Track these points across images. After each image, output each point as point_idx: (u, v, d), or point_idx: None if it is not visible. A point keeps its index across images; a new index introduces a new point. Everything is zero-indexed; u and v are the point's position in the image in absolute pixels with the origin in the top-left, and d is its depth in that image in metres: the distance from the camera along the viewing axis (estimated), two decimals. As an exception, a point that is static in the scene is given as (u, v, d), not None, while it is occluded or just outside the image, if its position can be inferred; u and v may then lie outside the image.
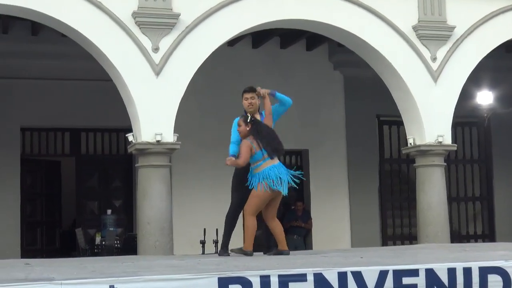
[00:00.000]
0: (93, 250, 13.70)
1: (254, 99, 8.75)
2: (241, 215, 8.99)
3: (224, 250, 8.71)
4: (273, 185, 8.26)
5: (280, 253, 8.47)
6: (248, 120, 8.53)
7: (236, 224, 8.93)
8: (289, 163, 16.30)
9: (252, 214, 8.43)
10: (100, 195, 15.78)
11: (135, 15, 10.99)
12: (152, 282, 5.21)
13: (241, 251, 8.45)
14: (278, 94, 8.88)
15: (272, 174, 8.30)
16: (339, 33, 12.15)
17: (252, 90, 8.80)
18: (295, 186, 8.51)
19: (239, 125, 8.56)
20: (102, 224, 14.28)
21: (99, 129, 15.60)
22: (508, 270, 5.97)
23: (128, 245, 13.17)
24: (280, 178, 8.30)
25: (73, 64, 14.25)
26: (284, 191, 8.33)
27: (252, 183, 8.37)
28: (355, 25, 11.95)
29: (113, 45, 10.96)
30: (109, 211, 14.57)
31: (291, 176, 8.42)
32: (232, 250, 8.59)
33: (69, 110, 14.81)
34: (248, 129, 8.48)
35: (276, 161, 8.47)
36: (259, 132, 8.45)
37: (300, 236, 15.34)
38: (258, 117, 8.73)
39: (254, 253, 8.46)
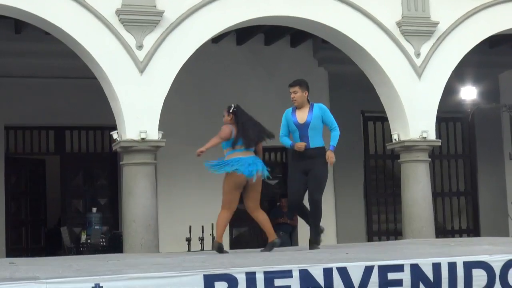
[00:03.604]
0: (79, 249, 13.66)
1: (296, 93, 8.67)
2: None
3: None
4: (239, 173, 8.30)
5: (272, 244, 8.54)
6: (231, 110, 8.57)
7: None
8: (274, 160, 16.33)
9: (223, 208, 8.50)
10: (85, 193, 15.74)
11: (118, 12, 10.97)
12: (137, 280, 5.20)
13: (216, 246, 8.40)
14: (334, 145, 8.74)
15: (239, 163, 8.34)
16: (324, 30, 12.17)
17: (294, 84, 8.75)
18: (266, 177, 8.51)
19: (223, 115, 8.57)
20: (88, 222, 14.24)
21: (84, 127, 15.55)
22: (493, 264, 5.99)
23: (113, 243, 13.14)
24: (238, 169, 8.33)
25: (57, 62, 14.19)
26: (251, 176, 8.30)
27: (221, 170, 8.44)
28: (339, 22, 11.97)
29: (97, 43, 10.94)
30: (94, 209, 14.52)
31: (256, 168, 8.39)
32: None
33: (53, 108, 14.75)
34: (229, 119, 8.54)
35: (247, 154, 8.45)
36: (239, 122, 8.50)
37: (286, 232, 15.32)
38: (305, 110, 8.66)
39: (237, 250, 8.49)
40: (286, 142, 8.74)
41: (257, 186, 8.45)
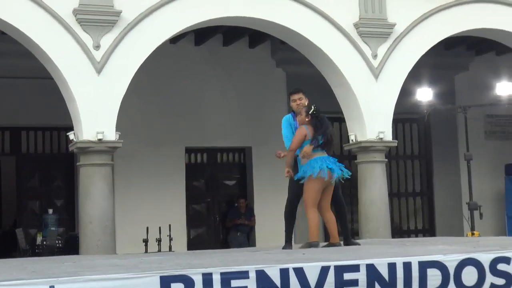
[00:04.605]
0: (34, 251, 13.52)
1: (302, 100, 8.68)
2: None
3: (286, 245, 8.61)
4: (323, 174, 8.29)
5: (332, 245, 8.49)
6: (310, 112, 8.50)
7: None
8: (232, 161, 16.34)
9: (312, 206, 8.41)
10: (41, 195, 15.57)
11: (75, 12, 10.89)
12: (93, 282, 5.15)
13: (307, 244, 8.33)
14: None
15: (320, 163, 8.33)
16: (281, 31, 12.21)
17: (298, 91, 8.75)
18: (347, 177, 8.52)
19: (300, 114, 8.49)
20: (43, 223, 14.10)
21: (40, 128, 15.41)
22: (447, 264, 6.05)
23: (69, 245, 13.05)
24: (328, 168, 8.31)
25: (13, 62, 14.03)
26: (333, 179, 8.36)
27: (304, 174, 8.35)
28: (297, 23, 12.02)
29: (53, 43, 10.85)
30: (50, 211, 14.38)
31: (341, 168, 8.43)
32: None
33: (9, 109, 14.58)
34: (307, 120, 8.47)
35: (325, 154, 8.46)
36: (319, 124, 8.46)
37: (243, 233, 15.38)
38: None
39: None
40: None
41: (331, 186, 8.49)
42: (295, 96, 8.75)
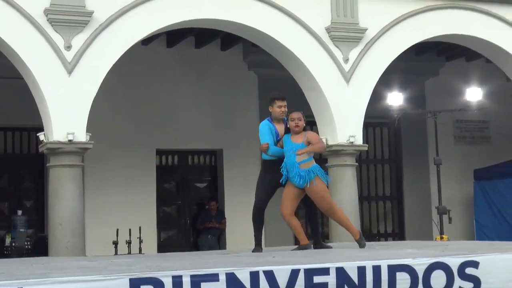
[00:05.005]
0: (3, 252, 13.42)
1: (286, 107, 8.76)
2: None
3: (256, 248, 8.70)
4: (326, 177, 8.63)
5: (303, 247, 8.59)
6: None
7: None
8: (203, 163, 16.32)
9: (335, 205, 8.84)
10: (11, 195, 15.44)
11: (47, 12, 10.82)
12: (61, 284, 5.12)
13: (362, 241, 8.59)
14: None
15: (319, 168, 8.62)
16: (253, 34, 12.23)
17: (284, 97, 8.82)
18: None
19: (299, 119, 8.57)
20: (12, 225, 13.99)
21: (10, 128, 15.28)
22: (416, 267, 6.09)
23: (39, 247, 12.95)
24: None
25: (-17, 61, 13.91)
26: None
27: (306, 178, 8.52)
28: (269, 26, 12.04)
29: (24, 43, 10.78)
30: (19, 212, 14.26)
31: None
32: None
33: (-21, 109, 14.47)
34: (304, 125, 8.66)
35: None
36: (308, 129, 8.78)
37: (214, 236, 15.38)
38: (282, 123, 8.80)
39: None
40: (279, 150, 8.72)
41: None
42: (282, 103, 8.78)
